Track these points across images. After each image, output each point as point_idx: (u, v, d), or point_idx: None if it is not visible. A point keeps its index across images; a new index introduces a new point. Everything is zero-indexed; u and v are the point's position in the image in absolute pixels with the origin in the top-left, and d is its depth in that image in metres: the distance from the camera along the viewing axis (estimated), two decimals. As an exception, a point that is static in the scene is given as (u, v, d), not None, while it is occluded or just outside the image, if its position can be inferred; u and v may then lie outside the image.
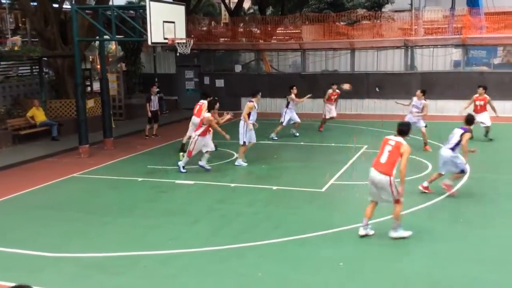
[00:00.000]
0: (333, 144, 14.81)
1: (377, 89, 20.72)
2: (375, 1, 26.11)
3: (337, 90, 16.54)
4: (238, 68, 23.45)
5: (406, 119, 12.91)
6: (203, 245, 7.42)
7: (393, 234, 7.49)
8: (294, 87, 15.69)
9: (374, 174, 7.41)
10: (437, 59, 20.53)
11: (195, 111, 13.21)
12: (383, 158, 7.39)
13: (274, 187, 10.43)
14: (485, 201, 9.33)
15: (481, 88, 14.60)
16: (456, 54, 20.77)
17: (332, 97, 16.57)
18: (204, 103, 13.04)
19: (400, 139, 7.42)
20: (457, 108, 15.55)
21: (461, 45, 20.11)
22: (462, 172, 9.58)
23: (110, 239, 7.90)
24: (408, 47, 20.76)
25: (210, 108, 11.75)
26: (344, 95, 17.80)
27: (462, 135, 9.21)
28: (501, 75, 19.51)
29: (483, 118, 14.33)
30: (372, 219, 7.69)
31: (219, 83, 22.81)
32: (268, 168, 12.08)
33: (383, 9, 26.22)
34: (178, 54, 13.84)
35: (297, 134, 16.01)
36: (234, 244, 7.47)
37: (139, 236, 7.97)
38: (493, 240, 7.49)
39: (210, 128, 11.54)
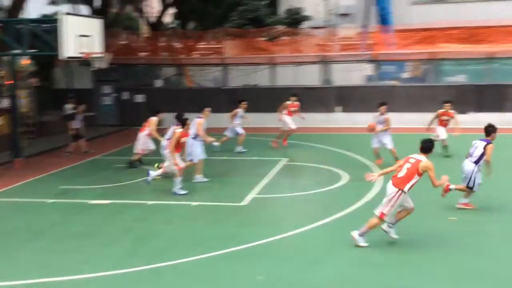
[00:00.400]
0: (255, 158, 14.93)
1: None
2: (293, 18, 26.87)
3: (296, 102, 15.97)
4: (158, 83, 23.14)
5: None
6: (118, 267, 7.14)
7: (355, 235, 7.58)
8: (244, 102, 15.75)
9: (389, 184, 7.59)
10: (352, 74, 21.43)
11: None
12: (401, 174, 7.52)
13: (194, 203, 10.30)
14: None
15: (448, 104, 14.12)
16: (369, 69, 21.80)
17: (291, 109, 16.02)
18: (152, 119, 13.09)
19: (421, 157, 7.54)
20: (369, 120, 15.83)
21: (373, 60, 21.18)
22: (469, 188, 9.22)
23: (18, 266, 7.40)
24: (325, 62, 21.53)
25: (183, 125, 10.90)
26: (264, 109, 18.07)
27: (485, 147, 9.08)
28: (410, 89, 20.74)
29: (442, 133, 13.96)
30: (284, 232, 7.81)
31: (139, 98, 22.35)
32: (188, 184, 11.94)
33: (301, 26, 27.04)
34: (93, 68, 13.42)
35: (243, 150, 15.72)
36: (152, 264, 7.25)
37: (49, 261, 7.53)
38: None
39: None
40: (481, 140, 9.28)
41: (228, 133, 15.79)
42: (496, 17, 21.67)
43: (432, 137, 12.68)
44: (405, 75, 22.32)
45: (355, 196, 10.28)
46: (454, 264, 7.06)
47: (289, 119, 15.89)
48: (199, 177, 12.07)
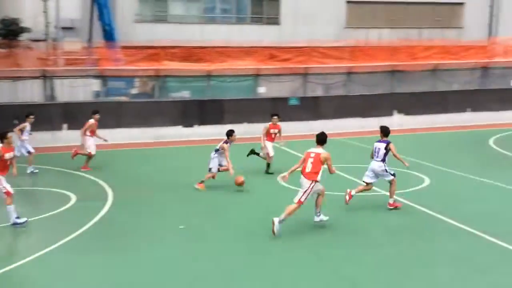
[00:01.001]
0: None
1: (15, 121, 19.30)
2: (10, 29, 24.50)
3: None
4: None
5: None
6: None
7: (276, 221, 8.59)
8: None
9: (302, 178, 8.86)
10: (78, 90, 20.66)
11: None
12: (308, 168, 8.82)
13: None
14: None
15: (276, 117, 14.02)
16: (96, 84, 21.38)
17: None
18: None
19: (318, 149, 8.94)
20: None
21: (100, 76, 20.87)
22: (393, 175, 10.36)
23: None
24: (47, 77, 20.23)
25: None
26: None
27: (387, 146, 10.21)
28: (138, 104, 21.18)
29: (270, 148, 13.82)
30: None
31: None
32: None
33: (20, 38, 24.82)
34: None
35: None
36: None
37: None
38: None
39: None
40: (380, 141, 10.44)
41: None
42: (211, 39, 23.96)
43: (260, 153, 13.70)
44: (134, 90, 22.64)
45: (83, 217, 9.87)
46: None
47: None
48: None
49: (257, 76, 22.13)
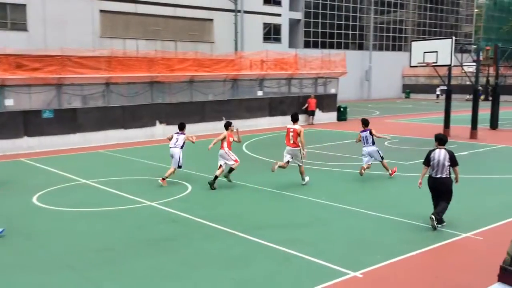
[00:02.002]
0: None
1: None
2: None
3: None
4: None
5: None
6: None
7: (304, 182, 13.14)
8: None
9: (289, 148, 12.93)
10: None
11: None
12: (291, 140, 12.88)
13: None
14: None
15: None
16: None
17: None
18: None
19: (295, 126, 12.93)
20: None
21: None
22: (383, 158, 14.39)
23: None
24: None
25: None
26: None
27: (371, 133, 14.04)
28: None
29: None
30: None
31: None
32: None
33: None
34: None
35: None
36: None
37: None
38: None
39: None
40: (364, 131, 14.08)
41: None
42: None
43: None
44: None
45: None
46: None
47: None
48: None
49: (1, 87, 19.84)
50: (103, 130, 22.23)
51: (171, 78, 24.88)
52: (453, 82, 25.96)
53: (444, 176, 9.33)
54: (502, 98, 27.59)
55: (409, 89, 60.40)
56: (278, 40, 48.04)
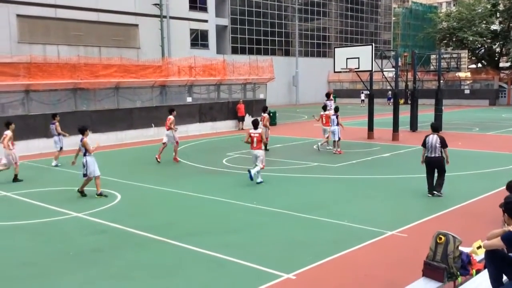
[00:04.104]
0: None
1: None
2: None
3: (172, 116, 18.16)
4: None
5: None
6: None
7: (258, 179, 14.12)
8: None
9: (254, 151, 14.27)
10: None
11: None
12: (255, 144, 14.15)
13: None
14: None
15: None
16: None
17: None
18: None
19: (257, 130, 14.27)
20: None
21: None
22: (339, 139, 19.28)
23: None
24: None
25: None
26: None
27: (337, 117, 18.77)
28: None
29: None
30: None
31: None
32: None
33: None
34: None
35: None
36: None
37: None
38: None
39: None
40: (334, 115, 18.25)
41: None
42: None
43: None
44: None
45: None
46: None
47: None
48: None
49: None
50: (24, 139, 21.10)
51: (95, 85, 24.11)
52: (374, 87, 27.12)
53: (437, 155, 11.81)
54: (420, 101, 29.16)
55: (334, 94, 62.39)
56: (205, 46, 47.99)
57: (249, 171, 13.73)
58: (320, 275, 7.57)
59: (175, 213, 11.51)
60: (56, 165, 17.84)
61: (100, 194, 12.70)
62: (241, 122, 30.26)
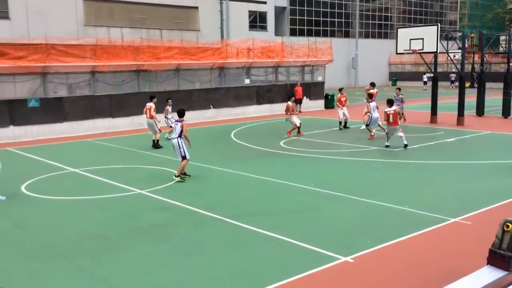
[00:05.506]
0: None
1: None
2: None
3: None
4: None
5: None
6: None
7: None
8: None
9: (391, 127, 16.41)
10: None
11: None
12: (391, 119, 16.14)
13: None
14: None
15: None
16: None
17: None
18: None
19: (393, 107, 16.37)
20: None
21: None
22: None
23: None
24: None
25: None
26: None
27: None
28: None
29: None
30: None
31: None
32: None
33: None
34: None
35: None
36: None
37: None
38: None
39: None
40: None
41: None
42: None
43: None
44: None
45: None
46: None
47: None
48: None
49: (-15, 76, 19.54)
50: (90, 119, 22.04)
51: (157, 67, 24.69)
52: (438, 69, 26.04)
53: None
54: (487, 85, 27.86)
55: (395, 77, 60.67)
56: (264, 28, 47.83)
57: (386, 146, 16.60)
58: (378, 259, 7.48)
59: (233, 193, 11.68)
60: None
61: (181, 175, 12.67)
62: (299, 105, 30.09)
